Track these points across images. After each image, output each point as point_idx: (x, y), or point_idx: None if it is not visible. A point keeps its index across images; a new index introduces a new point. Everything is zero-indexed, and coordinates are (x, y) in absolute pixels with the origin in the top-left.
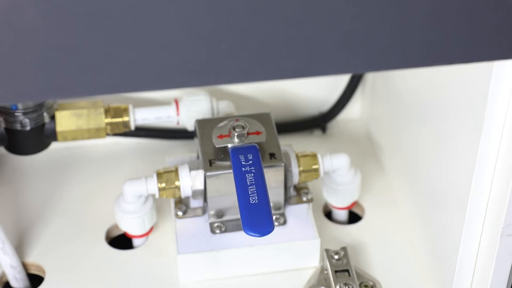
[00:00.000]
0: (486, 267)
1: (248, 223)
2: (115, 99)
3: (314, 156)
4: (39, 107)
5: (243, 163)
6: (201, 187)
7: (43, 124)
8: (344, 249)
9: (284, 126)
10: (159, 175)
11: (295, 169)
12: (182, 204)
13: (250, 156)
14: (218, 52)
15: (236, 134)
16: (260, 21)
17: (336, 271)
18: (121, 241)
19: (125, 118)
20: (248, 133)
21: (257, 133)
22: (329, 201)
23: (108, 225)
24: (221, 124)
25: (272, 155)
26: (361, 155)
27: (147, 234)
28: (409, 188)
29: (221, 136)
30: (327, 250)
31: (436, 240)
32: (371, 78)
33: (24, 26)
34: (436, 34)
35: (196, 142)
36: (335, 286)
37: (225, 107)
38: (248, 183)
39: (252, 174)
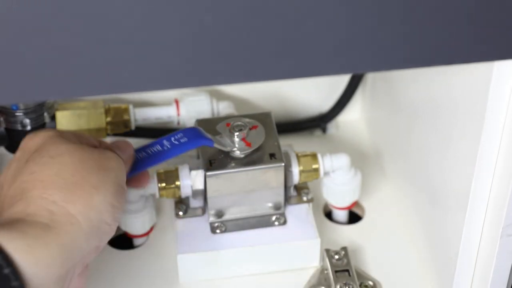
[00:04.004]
0: (486, 267)
1: None
2: (115, 99)
3: (314, 156)
4: (40, 107)
5: (172, 139)
6: (201, 187)
7: (44, 124)
8: (344, 249)
9: (285, 126)
10: (159, 175)
11: (295, 169)
12: (182, 204)
13: (183, 140)
14: (218, 52)
15: (236, 134)
16: (260, 21)
17: (336, 271)
18: (121, 241)
19: (126, 118)
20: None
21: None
22: (329, 201)
23: None
24: (220, 124)
25: (272, 155)
26: (361, 155)
27: (147, 234)
28: (409, 188)
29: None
30: (327, 250)
31: (436, 240)
32: (371, 79)
33: (24, 26)
34: (436, 34)
35: None
36: (335, 286)
37: (225, 107)
38: (158, 147)
39: (168, 146)
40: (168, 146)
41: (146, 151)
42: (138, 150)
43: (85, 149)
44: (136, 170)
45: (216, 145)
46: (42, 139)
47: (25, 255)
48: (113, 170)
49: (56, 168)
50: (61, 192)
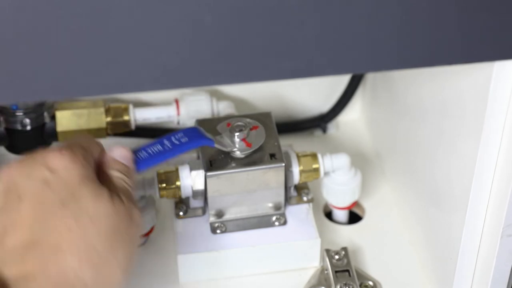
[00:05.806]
0: (486, 267)
1: None
2: (115, 99)
3: (314, 156)
4: (40, 107)
5: (173, 139)
6: (202, 187)
7: (44, 124)
8: (344, 249)
9: (285, 126)
10: (160, 175)
11: (295, 169)
12: (182, 204)
13: (184, 139)
14: (218, 52)
15: (236, 135)
16: (260, 21)
17: (336, 271)
18: None
19: (126, 118)
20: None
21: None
22: (329, 201)
23: None
24: (221, 124)
25: (272, 155)
26: (361, 155)
27: (147, 234)
28: (409, 188)
29: None
30: (327, 250)
31: (436, 240)
32: (371, 79)
33: (24, 26)
34: (436, 35)
35: None
36: (336, 286)
37: (225, 107)
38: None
39: (169, 146)
40: (169, 145)
41: (147, 150)
42: (138, 150)
43: (119, 209)
44: (137, 170)
45: (216, 145)
46: (72, 172)
47: None
48: (136, 235)
49: (93, 235)
50: (93, 270)
